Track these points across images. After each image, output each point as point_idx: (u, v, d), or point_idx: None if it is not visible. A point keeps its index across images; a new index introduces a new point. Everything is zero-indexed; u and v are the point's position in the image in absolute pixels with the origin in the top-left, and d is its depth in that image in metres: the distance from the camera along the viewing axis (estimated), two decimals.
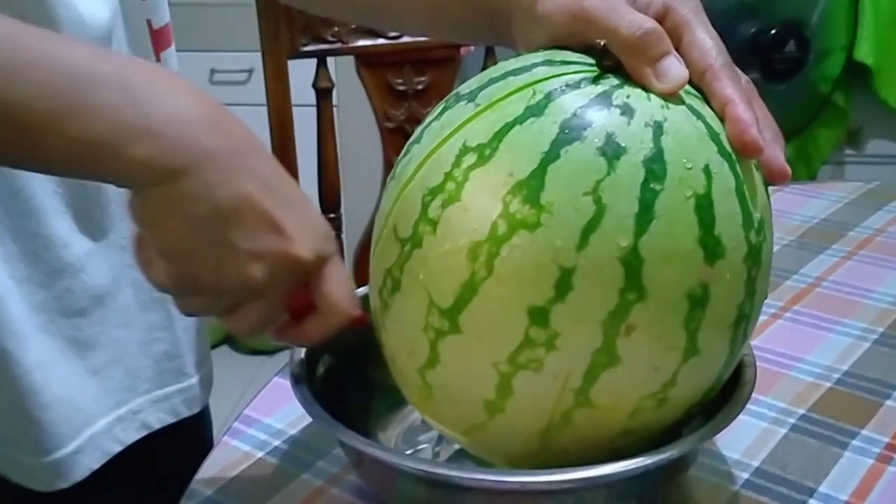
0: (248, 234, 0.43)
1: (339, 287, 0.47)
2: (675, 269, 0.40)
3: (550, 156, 0.40)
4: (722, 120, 0.43)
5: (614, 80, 0.43)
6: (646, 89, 0.43)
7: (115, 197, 0.59)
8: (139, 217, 0.44)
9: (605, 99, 0.42)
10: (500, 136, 0.41)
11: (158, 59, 0.64)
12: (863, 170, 2.03)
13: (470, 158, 0.42)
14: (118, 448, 0.62)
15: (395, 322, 0.45)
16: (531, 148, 0.41)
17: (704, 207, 0.41)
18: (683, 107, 0.43)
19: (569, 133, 0.40)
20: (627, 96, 0.42)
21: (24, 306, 0.56)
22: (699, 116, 0.43)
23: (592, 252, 0.40)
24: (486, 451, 0.48)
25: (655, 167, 0.40)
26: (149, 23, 0.63)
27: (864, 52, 1.89)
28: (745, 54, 1.75)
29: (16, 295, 0.55)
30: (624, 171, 0.40)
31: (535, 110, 0.41)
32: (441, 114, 0.45)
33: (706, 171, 0.41)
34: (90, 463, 0.60)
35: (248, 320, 0.46)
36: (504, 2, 0.52)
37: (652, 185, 0.40)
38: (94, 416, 0.60)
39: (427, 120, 0.46)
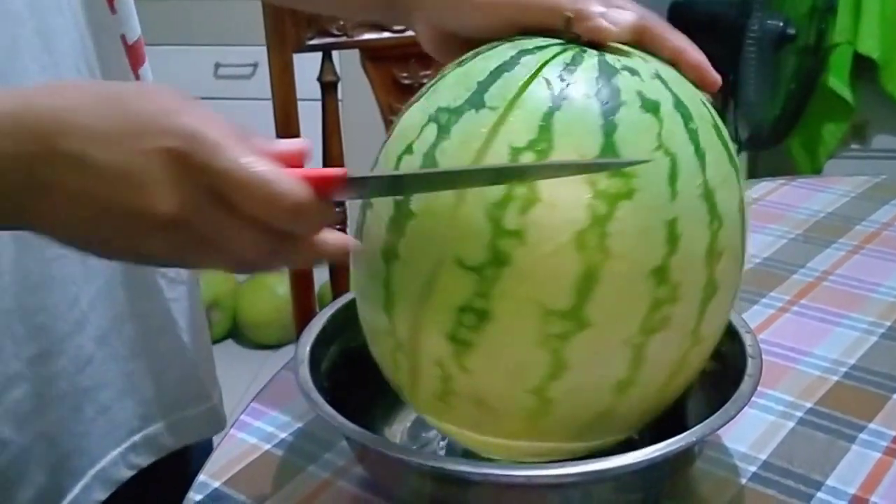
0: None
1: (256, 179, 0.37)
2: (729, 190, 0.44)
3: (608, 127, 0.41)
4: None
5: (593, 51, 0.45)
6: (616, 50, 0.46)
7: None
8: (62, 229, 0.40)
9: (608, 66, 0.44)
10: (545, 127, 0.41)
11: (137, 77, 0.62)
12: (868, 164, 2.03)
13: (527, 157, 0.41)
14: (130, 473, 0.62)
15: (490, 356, 0.43)
16: (586, 126, 0.41)
17: (720, 131, 0.45)
18: (652, 58, 0.47)
19: (609, 103, 0.42)
20: (618, 59, 0.45)
21: (28, 389, 0.56)
22: (663, 63, 0.47)
23: (682, 198, 0.42)
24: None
25: (682, 110, 0.44)
26: (122, 38, 0.61)
27: (869, 46, 1.89)
28: (767, 46, 1.74)
29: (22, 377, 0.55)
30: (669, 120, 0.43)
31: (562, 94, 0.42)
32: (444, 135, 0.43)
33: (704, 104, 0.46)
34: (98, 496, 0.60)
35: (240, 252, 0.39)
36: None
37: (690, 126, 0.43)
38: (103, 452, 0.60)
39: (423, 148, 0.43)
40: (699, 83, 0.47)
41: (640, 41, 0.47)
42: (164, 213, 0.37)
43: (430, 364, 0.44)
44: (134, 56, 0.62)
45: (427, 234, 0.43)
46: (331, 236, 0.40)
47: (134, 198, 0.37)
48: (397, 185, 0.44)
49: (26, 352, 0.55)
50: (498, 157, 0.41)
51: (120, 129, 0.37)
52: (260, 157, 0.37)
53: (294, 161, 0.39)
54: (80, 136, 0.37)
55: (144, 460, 0.62)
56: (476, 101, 0.43)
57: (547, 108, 0.42)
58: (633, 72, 0.44)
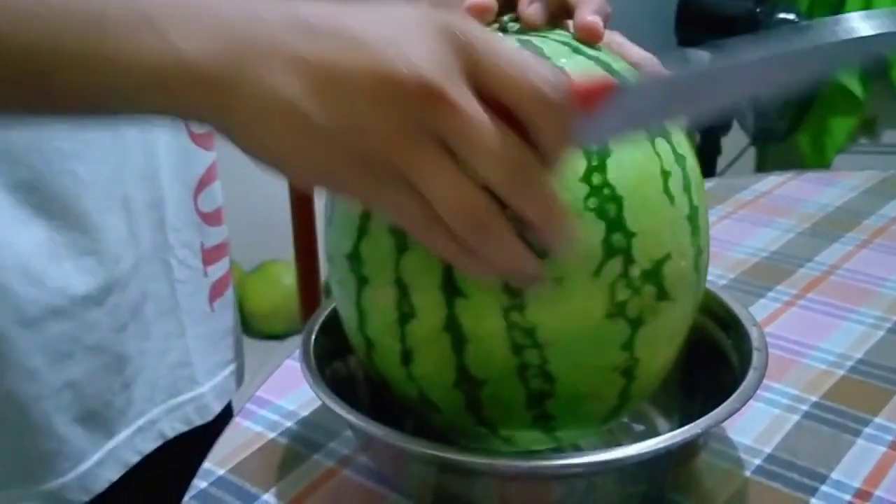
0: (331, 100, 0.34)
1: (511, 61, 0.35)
2: None
3: None
4: None
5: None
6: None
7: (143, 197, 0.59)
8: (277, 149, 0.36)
9: (564, 42, 0.45)
10: None
11: None
12: (878, 159, 2.02)
13: None
14: (136, 458, 0.62)
15: (662, 327, 0.44)
16: None
17: None
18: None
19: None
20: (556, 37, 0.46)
21: (76, 324, 0.56)
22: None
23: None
24: None
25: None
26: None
27: None
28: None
29: (71, 313, 0.55)
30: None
31: None
32: None
33: None
34: (110, 475, 0.60)
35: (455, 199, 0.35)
36: None
37: None
38: (117, 429, 0.60)
39: None
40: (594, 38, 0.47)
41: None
42: (414, 75, 0.33)
43: None
44: None
45: None
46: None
47: (387, 57, 0.34)
48: (682, 90, 0.37)
49: (71, 289, 0.55)
50: None
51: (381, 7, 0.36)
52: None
53: None
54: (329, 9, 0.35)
55: (147, 445, 0.62)
56: None
57: None
58: (574, 49, 0.44)
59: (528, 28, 0.46)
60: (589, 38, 0.45)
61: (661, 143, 0.43)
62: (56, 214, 0.54)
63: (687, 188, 0.44)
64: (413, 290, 0.42)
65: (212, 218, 0.67)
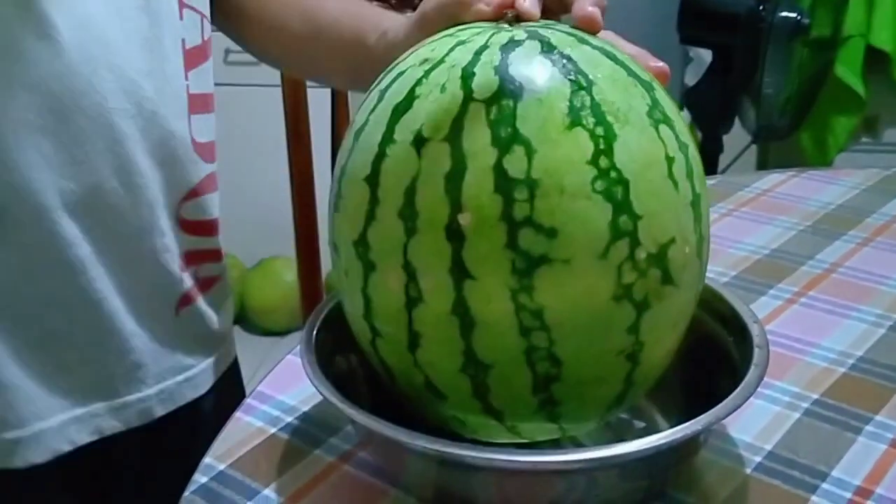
0: None
1: None
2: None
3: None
4: None
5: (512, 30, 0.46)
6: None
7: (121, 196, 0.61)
8: None
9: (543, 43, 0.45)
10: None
11: (186, 78, 0.65)
12: (879, 158, 2.02)
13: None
14: (68, 448, 0.63)
15: (666, 312, 0.45)
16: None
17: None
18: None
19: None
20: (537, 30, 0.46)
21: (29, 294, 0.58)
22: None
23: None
24: None
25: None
26: (182, 42, 0.64)
27: (883, 39, 1.88)
28: (781, 38, 1.74)
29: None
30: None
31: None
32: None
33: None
34: (32, 457, 0.61)
35: None
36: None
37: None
38: (48, 412, 0.61)
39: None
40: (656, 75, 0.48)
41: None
42: None
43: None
44: (189, 59, 0.65)
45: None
46: None
47: None
48: None
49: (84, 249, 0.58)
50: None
51: None
52: None
53: None
54: None
55: (82, 438, 0.63)
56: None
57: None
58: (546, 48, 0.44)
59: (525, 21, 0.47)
60: (589, 28, 0.47)
61: (664, 129, 0.43)
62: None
63: (690, 175, 0.44)
64: (421, 274, 0.42)
65: (195, 227, 0.67)
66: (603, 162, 0.41)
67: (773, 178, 0.97)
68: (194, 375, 0.71)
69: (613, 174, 0.41)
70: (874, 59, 1.91)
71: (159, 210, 0.63)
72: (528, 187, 0.41)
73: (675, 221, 0.43)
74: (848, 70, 1.90)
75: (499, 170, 0.41)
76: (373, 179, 0.44)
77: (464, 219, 0.41)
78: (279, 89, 1.13)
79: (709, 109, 1.84)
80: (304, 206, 1.29)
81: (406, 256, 0.43)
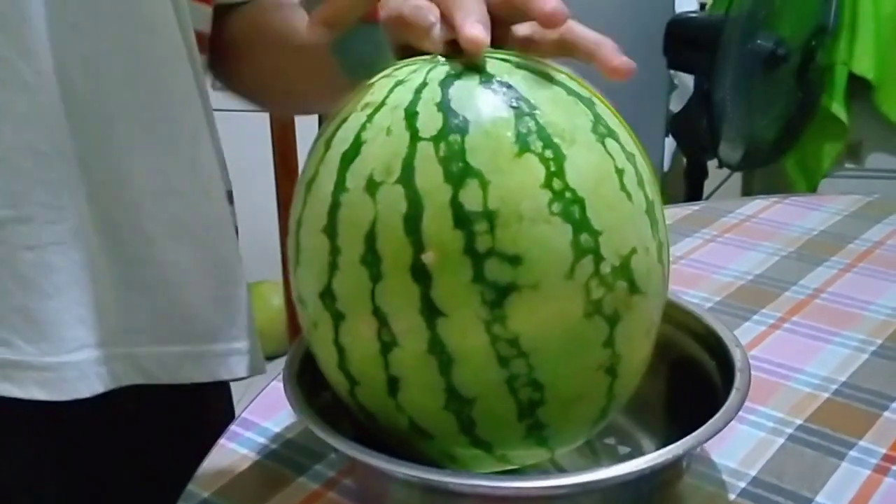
0: None
1: None
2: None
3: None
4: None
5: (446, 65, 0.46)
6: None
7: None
8: None
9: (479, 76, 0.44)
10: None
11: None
12: (862, 184, 2.04)
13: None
14: (112, 385, 0.58)
15: (638, 321, 0.45)
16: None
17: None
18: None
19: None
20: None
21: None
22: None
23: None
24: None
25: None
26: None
27: (865, 67, 1.90)
28: (751, 67, 1.76)
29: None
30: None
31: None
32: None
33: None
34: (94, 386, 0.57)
35: None
36: None
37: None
38: (121, 337, 0.58)
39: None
40: (616, 73, 0.47)
41: (561, 41, 0.48)
42: None
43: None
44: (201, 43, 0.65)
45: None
46: None
47: None
48: None
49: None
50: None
51: None
52: None
53: None
54: None
55: (130, 377, 0.59)
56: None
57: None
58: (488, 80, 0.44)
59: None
60: (553, 24, 0.46)
61: (610, 143, 0.44)
62: None
63: (641, 184, 0.45)
64: (392, 318, 0.42)
65: None
66: (556, 184, 0.41)
67: (756, 203, 0.98)
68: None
69: (568, 194, 0.42)
70: (857, 85, 1.93)
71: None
72: (487, 218, 0.41)
73: (634, 231, 0.44)
74: (831, 97, 1.93)
75: (456, 205, 0.41)
76: (330, 230, 0.43)
77: (428, 258, 0.41)
78: (266, 115, 1.13)
79: (693, 136, 1.86)
80: None
81: (375, 302, 0.42)
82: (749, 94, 1.78)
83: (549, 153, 0.42)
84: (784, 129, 1.93)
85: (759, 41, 1.75)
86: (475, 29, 0.44)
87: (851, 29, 1.89)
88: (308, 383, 0.51)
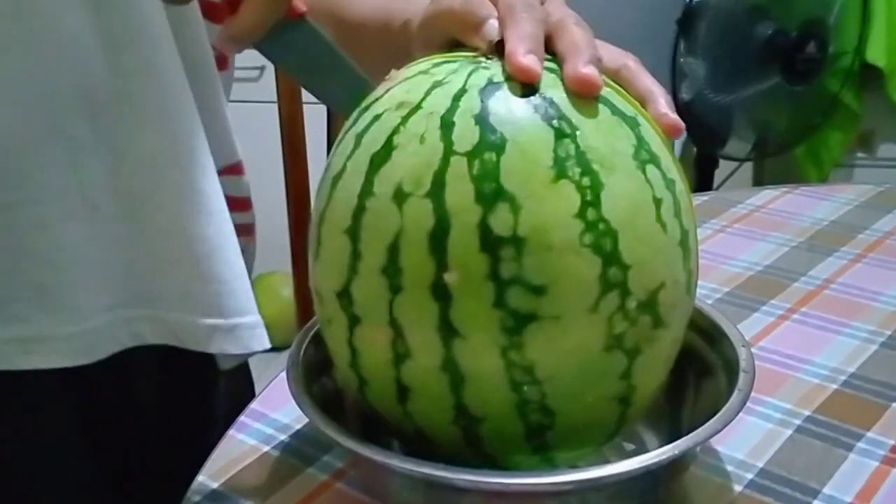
0: None
1: None
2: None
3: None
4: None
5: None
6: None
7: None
8: None
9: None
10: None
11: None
12: (874, 173, 2.03)
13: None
14: (130, 344, 0.59)
15: (658, 353, 0.44)
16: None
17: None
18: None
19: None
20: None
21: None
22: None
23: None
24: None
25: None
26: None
27: (876, 55, 1.89)
28: (763, 56, 1.75)
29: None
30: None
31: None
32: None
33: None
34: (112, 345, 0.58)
35: None
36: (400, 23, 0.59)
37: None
38: (146, 295, 0.59)
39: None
40: (665, 131, 0.46)
41: (615, 78, 0.47)
42: None
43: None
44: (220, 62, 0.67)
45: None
46: None
47: None
48: None
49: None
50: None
51: None
52: None
53: None
54: None
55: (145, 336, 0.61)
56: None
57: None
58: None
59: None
60: (587, 94, 0.43)
61: (651, 170, 0.42)
62: None
63: (678, 213, 0.43)
64: (408, 332, 0.42)
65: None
66: (590, 214, 0.40)
67: (766, 194, 0.97)
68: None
69: (602, 226, 0.40)
70: (869, 74, 1.92)
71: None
72: (515, 245, 0.39)
73: (665, 265, 0.43)
74: (842, 86, 1.91)
75: (484, 228, 0.39)
76: (353, 233, 0.42)
77: (450, 278, 0.40)
78: (275, 106, 1.13)
79: (704, 126, 1.85)
80: (301, 221, 1.29)
81: (392, 314, 0.42)
82: (760, 83, 1.77)
83: (586, 181, 0.40)
84: (795, 119, 1.92)
85: (769, 30, 1.74)
86: (527, 59, 0.42)
87: (863, 17, 1.88)
88: (313, 374, 0.51)
